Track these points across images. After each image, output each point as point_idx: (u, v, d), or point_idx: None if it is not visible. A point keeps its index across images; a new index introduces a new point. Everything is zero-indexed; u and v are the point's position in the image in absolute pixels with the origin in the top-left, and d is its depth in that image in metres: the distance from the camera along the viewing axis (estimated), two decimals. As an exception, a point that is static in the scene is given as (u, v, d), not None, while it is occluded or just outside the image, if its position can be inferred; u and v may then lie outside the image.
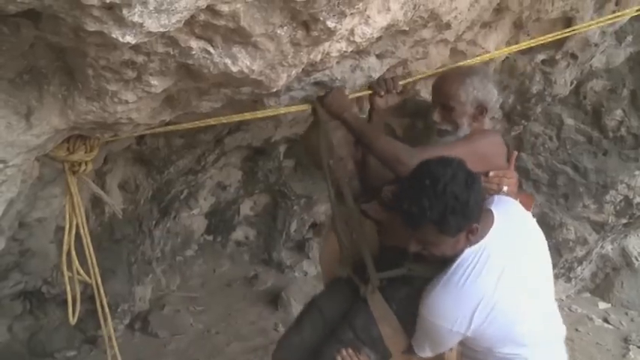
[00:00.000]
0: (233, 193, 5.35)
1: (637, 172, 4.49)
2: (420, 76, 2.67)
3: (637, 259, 5.00)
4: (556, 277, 4.78)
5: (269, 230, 5.48)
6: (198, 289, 5.17)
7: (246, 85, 1.62)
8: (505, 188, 2.26)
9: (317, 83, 2.25)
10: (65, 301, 2.83)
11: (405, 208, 1.84)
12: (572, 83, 4.16)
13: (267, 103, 2.22)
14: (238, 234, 5.61)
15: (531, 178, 4.62)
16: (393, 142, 2.24)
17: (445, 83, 2.35)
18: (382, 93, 2.42)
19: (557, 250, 4.66)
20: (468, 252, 1.95)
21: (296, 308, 4.22)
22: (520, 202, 2.29)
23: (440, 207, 1.79)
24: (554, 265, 4.76)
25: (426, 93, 3.82)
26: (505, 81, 3.89)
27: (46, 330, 4.16)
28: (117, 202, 4.41)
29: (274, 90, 1.65)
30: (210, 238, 5.57)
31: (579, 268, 4.84)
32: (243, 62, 1.46)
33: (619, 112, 4.51)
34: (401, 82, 2.53)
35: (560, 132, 4.62)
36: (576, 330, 4.33)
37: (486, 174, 2.23)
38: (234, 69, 1.46)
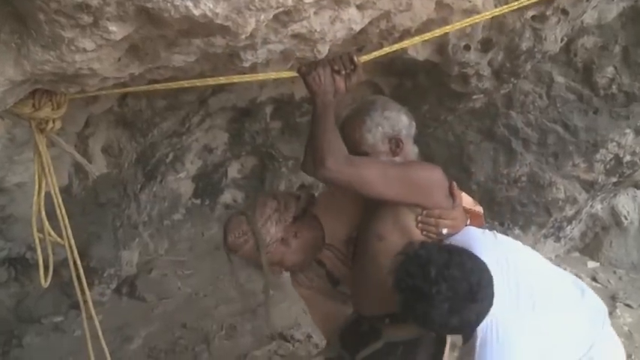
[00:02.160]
0: (220, 156, 5.29)
1: (627, 131, 4.42)
2: (385, 50, 2.41)
3: (626, 218, 4.98)
4: (545, 237, 4.77)
5: (257, 192, 5.43)
6: (187, 252, 5.15)
7: (212, 32, 1.54)
8: (444, 230, 2.07)
9: (296, 36, 2.17)
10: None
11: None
12: (562, 40, 4.06)
13: (244, 57, 2.13)
14: (226, 197, 5.56)
15: (521, 137, 4.55)
16: (336, 143, 2.03)
17: (348, 131, 2.15)
18: (342, 70, 2.13)
19: (546, 209, 4.62)
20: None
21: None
22: (471, 224, 2.18)
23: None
24: (544, 225, 4.76)
25: (413, 51, 3.75)
26: (494, 38, 3.80)
27: (32, 296, 4.14)
28: (100, 166, 4.35)
29: (243, 37, 1.57)
30: (198, 201, 5.52)
31: (569, 227, 4.80)
32: (205, 5, 1.38)
33: (610, 70, 4.42)
34: (362, 58, 2.24)
35: (550, 90, 4.53)
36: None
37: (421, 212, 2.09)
38: (197, 12, 1.38)
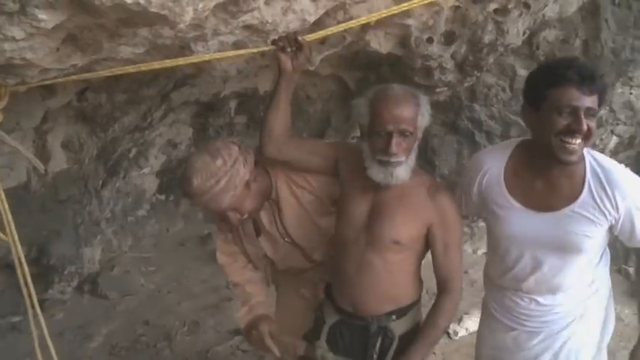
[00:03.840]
0: (184, 151, 5.23)
1: (589, 122, 4.48)
2: (330, 30, 2.31)
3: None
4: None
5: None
6: (151, 249, 5.08)
7: (150, 21, 1.49)
8: None
9: (247, 27, 2.14)
10: (8, 265, 2.71)
11: None
12: (524, 33, 4.08)
13: (195, 49, 2.10)
14: (192, 192, 5.50)
15: (484, 129, 4.56)
16: (271, 122, 2.08)
17: (403, 105, 1.93)
18: (287, 48, 1.99)
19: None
20: None
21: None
22: None
23: None
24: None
25: (376, 44, 3.72)
26: (457, 31, 3.80)
27: (-10, 295, 4.05)
28: (60, 162, 4.27)
29: (182, 26, 1.53)
30: (163, 197, 5.45)
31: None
32: (138, -8, 1.33)
33: (570, 63, 4.47)
34: (308, 38, 2.06)
35: (513, 83, 4.56)
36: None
37: None
38: (129, 0, 1.33)
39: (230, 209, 2.08)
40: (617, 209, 1.84)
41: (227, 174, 2.02)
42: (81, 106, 3.86)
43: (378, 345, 2.10)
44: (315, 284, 2.41)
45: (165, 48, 2.01)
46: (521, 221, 1.93)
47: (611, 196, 1.83)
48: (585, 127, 1.74)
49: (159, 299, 4.25)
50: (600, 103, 1.80)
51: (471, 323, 3.76)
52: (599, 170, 1.86)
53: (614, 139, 4.86)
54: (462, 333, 3.74)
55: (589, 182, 1.86)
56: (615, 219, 1.86)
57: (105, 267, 4.64)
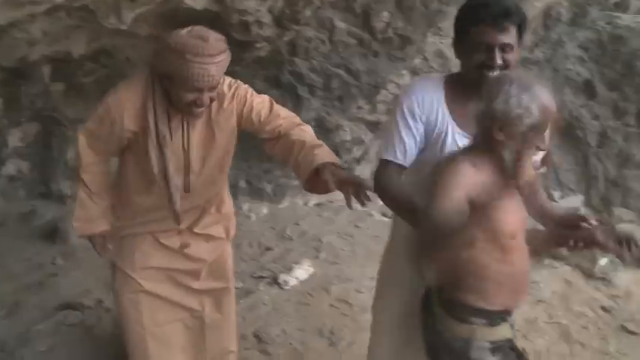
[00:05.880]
0: (-6, 124, 4.84)
1: (404, 72, 4.69)
2: None
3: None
4: (337, 178, 4.93)
5: (44, 161, 5.05)
6: (-34, 231, 4.69)
7: None
8: None
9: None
10: None
11: None
12: (340, -15, 4.18)
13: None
14: (9, 168, 5.09)
15: (306, 83, 4.64)
16: None
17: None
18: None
19: (335, 152, 4.76)
20: None
21: (75, 239, 3.93)
22: None
23: None
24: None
25: (191, 1, 3.63)
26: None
27: None
28: None
29: None
30: (-23, 176, 5.03)
31: (358, 168, 5.02)
32: None
33: (386, 14, 4.64)
34: None
35: (332, 35, 4.66)
36: (356, 226, 4.54)
37: None
38: None
39: (215, 85, 2.13)
40: None
41: (227, 52, 2.11)
42: None
43: None
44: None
45: None
46: (459, 143, 2.05)
47: None
48: (500, 62, 1.95)
49: (-27, 285, 3.94)
50: (521, 34, 2.02)
51: (302, 272, 3.87)
52: None
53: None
54: (292, 282, 3.83)
55: None
56: None
57: None
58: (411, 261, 2.14)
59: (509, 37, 1.97)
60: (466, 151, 1.87)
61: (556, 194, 4.83)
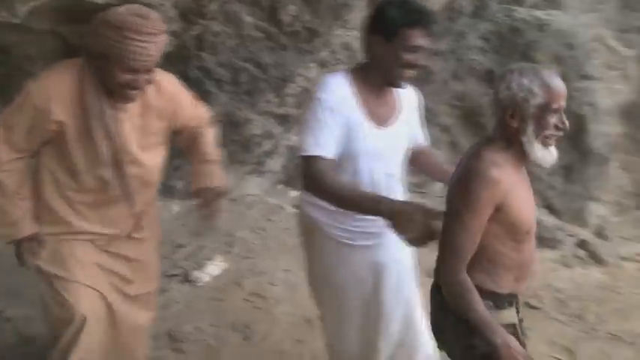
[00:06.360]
0: None
1: (312, 65, 4.71)
2: None
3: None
4: (249, 173, 4.92)
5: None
6: None
7: None
8: None
9: None
10: None
11: None
12: (242, -20, 4.16)
13: None
14: None
15: (214, 77, 4.59)
16: None
17: None
18: None
19: (245, 146, 4.77)
20: None
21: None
22: None
23: None
24: (246, 163, 4.91)
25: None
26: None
27: None
28: None
29: None
30: None
31: (270, 161, 5.02)
32: None
33: (293, 8, 4.64)
34: None
35: (239, 30, 4.62)
36: (268, 220, 4.54)
37: None
38: None
39: (152, 67, 2.03)
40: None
41: (166, 33, 2.06)
42: None
43: None
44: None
45: None
46: (372, 136, 2.19)
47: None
48: (423, 63, 2.16)
49: None
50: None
51: (214, 268, 3.84)
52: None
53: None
54: (205, 279, 3.79)
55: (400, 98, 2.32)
56: None
57: None
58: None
59: (433, 42, 2.19)
60: (487, 144, 1.89)
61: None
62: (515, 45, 5.04)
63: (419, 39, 2.09)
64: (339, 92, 2.15)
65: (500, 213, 1.81)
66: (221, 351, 3.23)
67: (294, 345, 3.31)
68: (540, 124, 1.81)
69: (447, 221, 1.85)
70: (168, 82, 2.28)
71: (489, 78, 5.02)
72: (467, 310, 1.81)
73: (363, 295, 2.34)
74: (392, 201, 1.98)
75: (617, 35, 5.33)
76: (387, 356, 2.45)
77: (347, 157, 2.19)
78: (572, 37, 5.11)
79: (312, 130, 2.12)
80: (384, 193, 2.14)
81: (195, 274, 3.79)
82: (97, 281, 2.27)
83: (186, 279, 3.78)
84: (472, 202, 1.78)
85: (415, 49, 2.10)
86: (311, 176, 2.10)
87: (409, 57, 2.10)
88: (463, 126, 4.99)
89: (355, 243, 2.28)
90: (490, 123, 4.98)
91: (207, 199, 2.52)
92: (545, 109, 1.80)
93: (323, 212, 2.26)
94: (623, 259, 4.57)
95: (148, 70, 2.04)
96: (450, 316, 1.92)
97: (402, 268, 2.40)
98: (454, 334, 1.93)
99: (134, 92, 2.07)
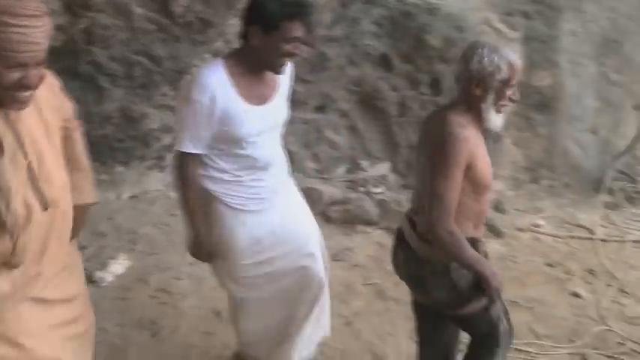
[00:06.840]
0: None
1: (207, 56, 4.65)
2: None
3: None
4: (149, 168, 4.81)
5: None
6: None
7: None
8: None
9: None
10: None
11: None
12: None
13: None
14: None
15: (106, 72, 4.46)
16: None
17: None
18: None
19: (144, 142, 4.67)
20: None
21: None
22: None
23: None
24: (145, 158, 4.80)
25: None
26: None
27: None
28: None
29: None
30: None
31: (170, 155, 4.90)
32: None
33: (183, -1, 4.59)
34: None
35: (130, 22, 4.51)
36: (172, 215, 4.44)
37: None
38: None
39: (42, 59, 1.60)
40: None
41: (49, 16, 1.67)
42: None
43: None
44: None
45: None
46: (252, 118, 2.31)
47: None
48: (297, 51, 2.25)
49: None
50: None
51: (118, 267, 3.75)
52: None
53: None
54: (109, 278, 3.69)
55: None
56: None
57: None
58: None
59: (310, 31, 2.28)
60: (450, 109, 2.21)
61: (365, 163, 5.06)
62: (407, 29, 5.15)
63: (299, 31, 2.21)
64: (213, 84, 2.22)
65: (469, 170, 2.10)
66: (128, 350, 3.15)
67: (203, 338, 3.28)
68: (499, 95, 2.14)
69: (435, 181, 2.09)
70: (47, 72, 1.95)
71: (385, 62, 5.12)
72: (461, 253, 2.11)
73: (260, 254, 2.53)
74: None
75: (503, 18, 5.55)
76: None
77: (229, 141, 2.33)
78: (462, 20, 5.28)
79: (184, 125, 2.27)
80: (270, 168, 2.44)
81: (99, 274, 3.67)
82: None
83: (90, 280, 3.65)
84: (454, 159, 2.06)
85: (295, 39, 2.22)
86: (179, 171, 2.36)
87: (288, 47, 2.22)
88: (361, 110, 5.05)
89: (249, 209, 2.46)
90: (389, 105, 5.18)
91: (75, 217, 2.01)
92: (506, 83, 2.12)
93: (219, 184, 2.41)
94: (520, 229, 4.77)
95: (39, 63, 1.61)
96: (425, 265, 2.26)
97: (292, 224, 2.60)
98: (435, 279, 2.25)
99: (27, 94, 1.64)
